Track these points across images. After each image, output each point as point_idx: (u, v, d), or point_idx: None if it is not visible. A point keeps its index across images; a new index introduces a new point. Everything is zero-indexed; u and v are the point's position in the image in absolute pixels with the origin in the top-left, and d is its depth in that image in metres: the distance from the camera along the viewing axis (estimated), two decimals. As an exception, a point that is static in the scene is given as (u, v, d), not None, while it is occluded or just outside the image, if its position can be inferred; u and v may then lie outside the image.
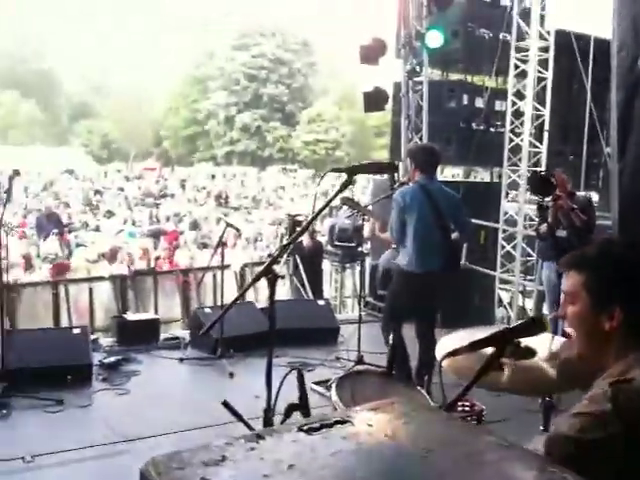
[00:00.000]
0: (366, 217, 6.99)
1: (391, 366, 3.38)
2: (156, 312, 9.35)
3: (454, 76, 10.86)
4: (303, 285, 9.14)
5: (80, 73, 67.63)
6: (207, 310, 7.43)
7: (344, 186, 3.02)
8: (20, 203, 24.97)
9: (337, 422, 1.41)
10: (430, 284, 5.60)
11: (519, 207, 9.10)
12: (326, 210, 3.12)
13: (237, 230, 8.89)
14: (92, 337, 6.79)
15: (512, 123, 9.10)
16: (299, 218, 9.91)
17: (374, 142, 55.47)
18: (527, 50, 8.87)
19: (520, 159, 9.00)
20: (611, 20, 6.10)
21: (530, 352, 2.35)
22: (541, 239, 7.11)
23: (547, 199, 6.28)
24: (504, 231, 9.22)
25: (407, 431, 1.41)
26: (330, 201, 3.07)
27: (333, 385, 3.17)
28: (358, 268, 10.12)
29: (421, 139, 9.32)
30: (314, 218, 3.09)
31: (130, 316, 7.70)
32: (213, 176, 43.16)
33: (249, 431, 3.28)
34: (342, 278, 11.00)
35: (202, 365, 6.68)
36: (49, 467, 4.41)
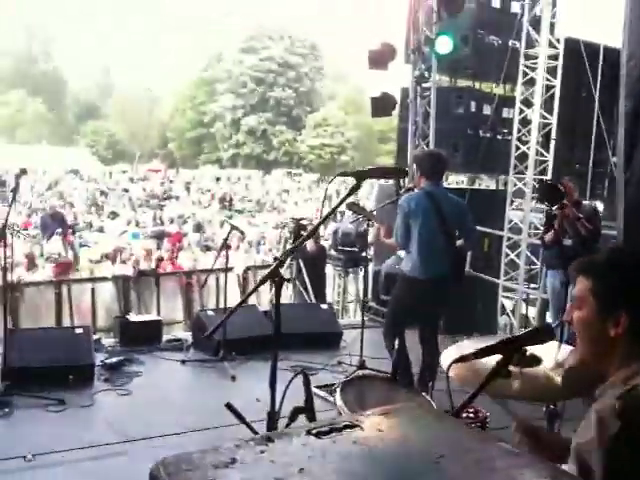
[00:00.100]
0: (371, 222, 6.99)
1: (396, 372, 3.36)
2: (158, 313, 9.34)
3: (462, 82, 10.85)
4: (306, 289, 9.12)
5: (86, 73, 67.87)
6: (210, 312, 7.42)
7: (353, 190, 3.00)
8: (25, 202, 25.02)
9: (346, 426, 1.41)
10: (433, 290, 5.57)
11: (524, 215, 9.08)
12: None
13: (242, 233, 8.90)
14: (94, 337, 6.79)
15: (519, 131, 9.09)
16: (303, 222, 9.90)
17: (379, 147, 55.61)
18: (536, 58, 8.85)
19: (526, 167, 8.98)
20: (622, 29, 6.10)
21: (535, 360, 2.35)
22: (546, 247, 7.10)
23: (554, 207, 6.27)
24: (508, 239, 9.20)
25: (418, 437, 1.40)
26: (339, 205, 3.06)
27: (337, 389, 3.15)
28: (361, 273, 10.11)
29: (428, 145, 9.30)
30: (323, 221, 3.07)
31: (133, 317, 7.69)
32: (218, 179, 43.26)
33: (252, 434, 3.26)
34: (345, 283, 10.99)
35: (204, 367, 6.66)
36: (50, 466, 4.40)
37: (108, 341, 7.27)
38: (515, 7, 9.81)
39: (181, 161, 58.88)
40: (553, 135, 9.03)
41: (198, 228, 20.84)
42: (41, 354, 5.88)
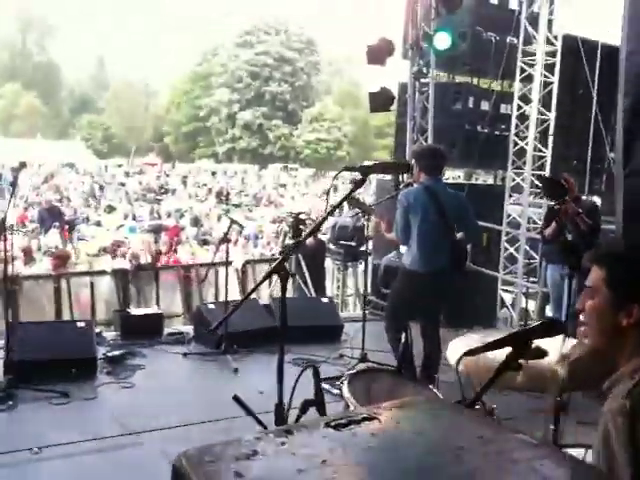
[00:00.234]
0: (369, 217, 7.02)
1: (401, 365, 3.41)
2: (158, 307, 9.36)
3: (460, 78, 10.87)
4: (305, 283, 9.15)
5: (81, 66, 67.65)
6: (211, 306, 7.45)
7: (358, 185, 3.05)
8: (21, 196, 24.96)
9: (364, 419, 1.43)
10: (433, 283, 5.61)
11: (522, 210, 9.13)
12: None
13: (241, 227, 8.91)
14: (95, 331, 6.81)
15: (517, 127, 9.12)
16: (302, 216, 9.92)
17: (376, 142, 55.63)
18: (534, 54, 8.88)
19: (524, 162, 9.02)
20: (620, 26, 6.14)
21: (541, 352, 2.38)
22: (546, 242, 7.15)
23: (555, 203, 6.31)
24: (507, 233, 9.25)
25: (435, 429, 1.43)
26: (345, 199, 3.10)
27: (345, 382, 3.20)
28: (360, 267, 10.14)
29: (426, 140, 9.33)
30: (329, 215, 3.11)
31: (134, 310, 7.72)
32: (214, 173, 43.19)
33: (258, 425, 3.31)
34: (344, 277, 11.02)
35: (206, 360, 6.69)
36: (56, 459, 4.42)
37: (109, 334, 7.28)
38: (513, 4, 9.83)
39: (177, 155, 58.75)
40: (551, 131, 9.07)
41: (195, 222, 20.85)
42: (44, 347, 5.90)
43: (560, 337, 2.55)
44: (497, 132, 10.13)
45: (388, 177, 9.42)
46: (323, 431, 1.39)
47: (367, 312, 7.10)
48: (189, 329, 7.52)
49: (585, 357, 2.21)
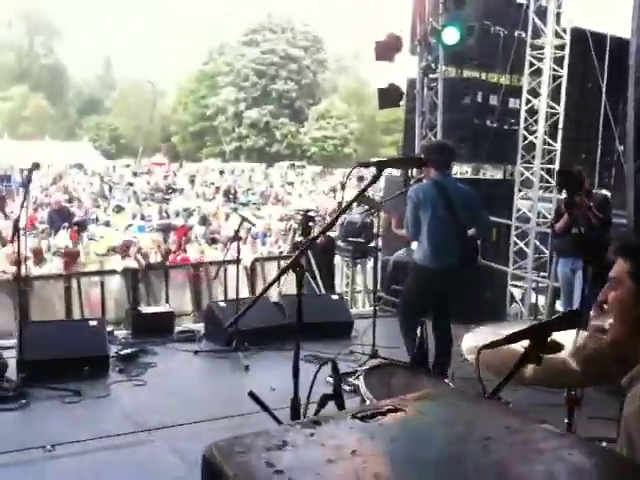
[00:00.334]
0: (378, 213, 7.01)
1: (416, 360, 3.40)
2: (167, 305, 9.38)
3: (468, 73, 10.83)
4: (315, 280, 9.14)
5: (88, 68, 67.83)
6: (222, 304, 7.45)
7: (373, 180, 3.04)
8: (31, 197, 25.03)
9: (390, 410, 1.43)
10: (444, 279, 5.62)
11: (532, 204, 9.09)
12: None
13: (252, 224, 8.92)
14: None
15: (526, 121, 9.07)
16: (311, 214, 9.93)
17: (383, 139, 55.60)
18: (542, 48, 8.84)
19: (534, 157, 8.99)
20: (630, 19, 6.11)
21: (557, 346, 2.36)
22: (556, 236, 7.12)
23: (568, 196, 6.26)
24: (517, 228, 9.22)
25: (461, 419, 1.42)
26: (359, 195, 3.09)
27: (361, 377, 3.19)
28: (369, 264, 10.13)
29: (435, 136, 9.31)
30: (343, 211, 3.10)
31: (145, 309, 7.73)
32: (221, 172, 43.27)
33: (274, 422, 3.31)
34: (353, 273, 11.01)
35: (217, 357, 6.70)
36: (69, 456, 4.43)
37: (120, 333, 7.31)
38: (520, -3, 9.80)
39: (184, 154, 58.87)
40: (560, 125, 9.03)
41: (204, 221, 20.89)
42: (56, 346, 5.92)
43: (573, 330, 2.53)
44: (506, 126, 10.08)
45: (397, 173, 9.41)
46: (350, 422, 1.39)
47: (377, 308, 7.10)
48: (199, 327, 7.52)
49: (604, 349, 2.19)
